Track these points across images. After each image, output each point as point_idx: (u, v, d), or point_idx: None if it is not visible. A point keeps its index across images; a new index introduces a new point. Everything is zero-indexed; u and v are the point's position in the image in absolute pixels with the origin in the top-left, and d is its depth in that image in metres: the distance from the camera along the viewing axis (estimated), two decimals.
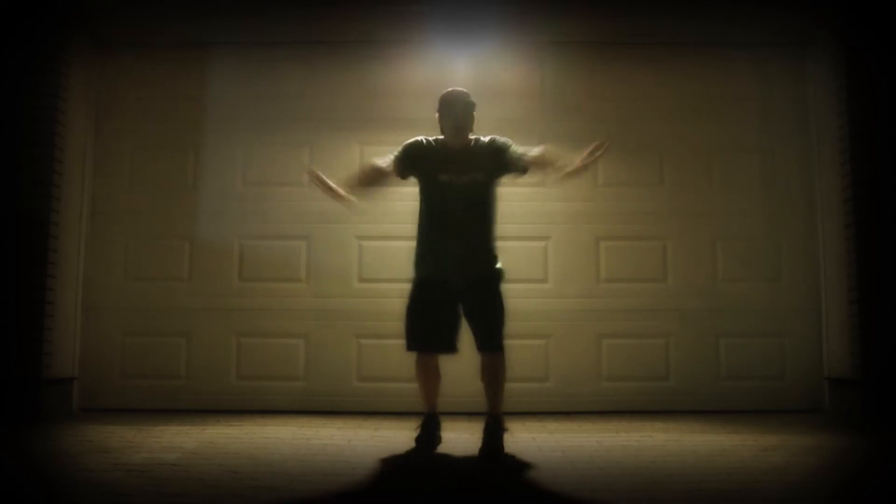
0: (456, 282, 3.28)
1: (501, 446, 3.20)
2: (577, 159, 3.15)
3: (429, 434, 3.34)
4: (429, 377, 3.39)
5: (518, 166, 3.30)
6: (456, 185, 3.29)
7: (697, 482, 2.66)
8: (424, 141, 3.42)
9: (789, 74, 4.84)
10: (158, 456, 3.05)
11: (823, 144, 4.64)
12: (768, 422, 4.06)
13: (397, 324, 4.57)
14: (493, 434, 3.22)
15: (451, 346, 3.32)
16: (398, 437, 3.63)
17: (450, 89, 3.47)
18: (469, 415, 4.05)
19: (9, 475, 2.76)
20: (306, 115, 4.82)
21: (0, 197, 4.19)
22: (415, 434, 3.35)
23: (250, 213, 4.75)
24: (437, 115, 3.44)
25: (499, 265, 3.35)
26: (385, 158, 3.40)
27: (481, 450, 3.17)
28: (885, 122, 4.25)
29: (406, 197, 4.70)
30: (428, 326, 3.31)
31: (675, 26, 4.69)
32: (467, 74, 4.81)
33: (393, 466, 2.97)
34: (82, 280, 4.63)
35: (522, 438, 3.65)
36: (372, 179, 3.46)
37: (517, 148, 3.33)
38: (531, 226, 4.71)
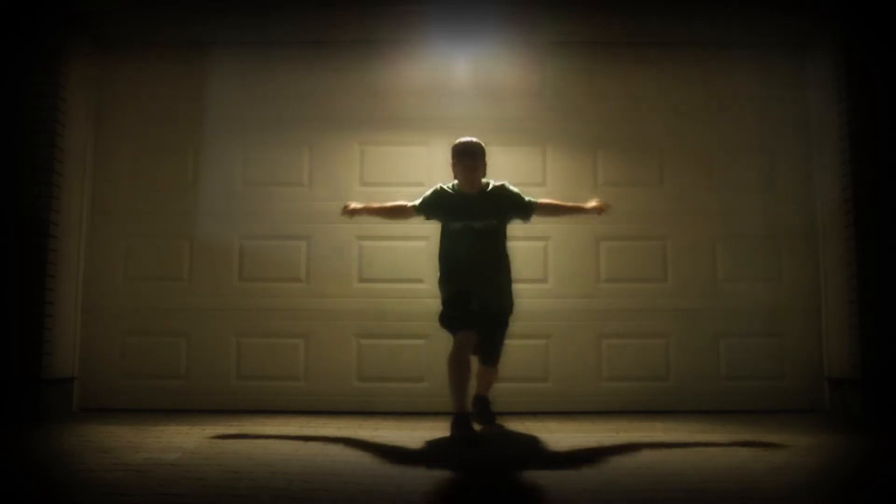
0: (472, 300, 3.59)
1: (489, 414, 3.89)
2: (586, 205, 3.81)
3: (466, 433, 3.39)
4: (461, 371, 3.48)
5: (526, 214, 3.81)
6: (472, 229, 3.66)
7: (697, 482, 2.66)
8: (444, 190, 3.78)
9: (789, 75, 4.83)
10: (158, 456, 3.05)
11: (823, 144, 4.63)
12: (768, 422, 4.06)
13: (397, 324, 4.63)
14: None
15: (475, 329, 3.58)
16: (398, 436, 3.63)
17: (461, 140, 3.77)
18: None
19: (9, 475, 2.76)
20: (306, 116, 4.82)
21: (0, 197, 4.19)
22: (454, 432, 3.41)
23: (250, 213, 4.75)
24: (451, 162, 3.77)
25: (511, 299, 3.78)
26: (413, 201, 3.84)
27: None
28: (885, 122, 4.25)
29: (406, 197, 4.72)
30: (461, 312, 3.56)
31: (676, 27, 4.69)
32: (467, 74, 4.83)
33: (392, 465, 2.96)
34: (82, 280, 4.63)
35: (523, 439, 3.64)
36: (397, 213, 3.98)
37: (524, 197, 3.79)
38: (531, 226, 4.69)
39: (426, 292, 4.56)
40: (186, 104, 4.82)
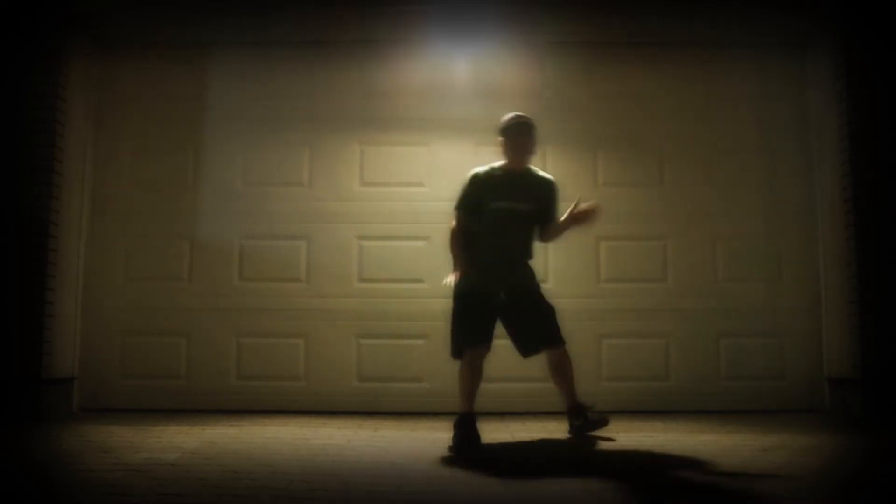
0: (496, 293, 3.50)
1: (593, 420, 3.60)
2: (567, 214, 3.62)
3: (469, 434, 3.38)
4: (474, 376, 3.49)
5: (551, 221, 3.68)
6: (513, 210, 3.55)
7: (697, 482, 2.66)
8: (483, 172, 3.62)
9: (789, 75, 4.83)
10: (158, 456, 3.05)
11: (823, 144, 4.64)
12: (768, 422, 4.06)
13: (397, 324, 4.63)
14: (582, 413, 3.59)
15: (489, 343, 3.51)
16: (398, 437, 3.64)
17: (513, 115, 3.63)
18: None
19: (9, 475, 2.76)
20: (306, 116, 4.82)
21: (0, 197, 4.19)
22: (452, 435, 3.39)
23: (250, 213, 4.74)
24: (500, 139, 3.62)
25: (536, 279, 3.67)
26: (457, 217, 3.61)
27: (574, 429, 3.60)
28: (884, 122, 4.25)
29: (406, 198, 4.75)
30: (473, 328, 3.49)
31: (676, 27, 4.69)
32: (467, 74, 4.83)
33: (392, 465, 2.97)
34: (82, 280, 4.63)
35: (523, 439, 3.65)
36: (459, 235, 3.62)
37: (556, 210, 3.68)
38: None
39: (426, 292, 4.56)
40: (186, 104, 4.82)
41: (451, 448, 3.30)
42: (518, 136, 3.57)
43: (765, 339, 4.65)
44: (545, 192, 3.66)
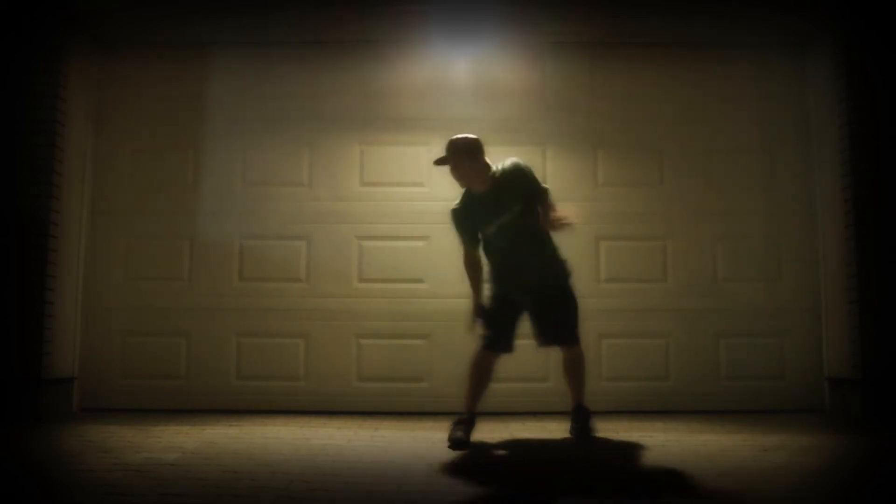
0: (524, 296, 3.53)
1: (591, 427, 3.56)
2: (553, 214, 3.41)
3: (461, 435, 3.38)
4: (480, 377, 3.53)
5: (541, 201, 3.52)
6: (503, 225, 3.48)
7: (697, 482, 2.66)
8: (459, 206, 3.58)
9: (789, 75, 4.83)
10: (158, 456, 3.05)
11: (823, 145, 4.64)
12: (768, 422, 4.06)
13: (398, 324, 4.63)
14: (583, 417, 3.58)
15: (499, 348, 3.56)
16: (398, 437, 3.64)
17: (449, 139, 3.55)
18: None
19: (9, 475, 2.76)
20: (306, 116, 4.82)
21: (0, 197, 4.19)
22: (450, 431, 3.41)
23: (250, 213, 4.74)
24: None
25: (565, 268, 3.60)
26: (464, 246, 3.62)
27: (573, 430, 3.57)
28: (884, 122, 4.25)
29: (406, 197, 4.74)
30: (489, 330, 3.54)
31: (676, 27, 4.69)
32: (467, 74, 4.83)
33: (392, 465, 2.97)
34: (82, 280, 4.63)
35: (523, 438, 3.65)
36: (478, 268, 3.64)
37: (538, 185, 3.54)
38: None
39: (426, 292, 4.57)
40: (186, 104, 4.82)
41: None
42: (451, 172, 3.50)
43: (765, 339, 4.65)
44: (518, 185, 3.47)
